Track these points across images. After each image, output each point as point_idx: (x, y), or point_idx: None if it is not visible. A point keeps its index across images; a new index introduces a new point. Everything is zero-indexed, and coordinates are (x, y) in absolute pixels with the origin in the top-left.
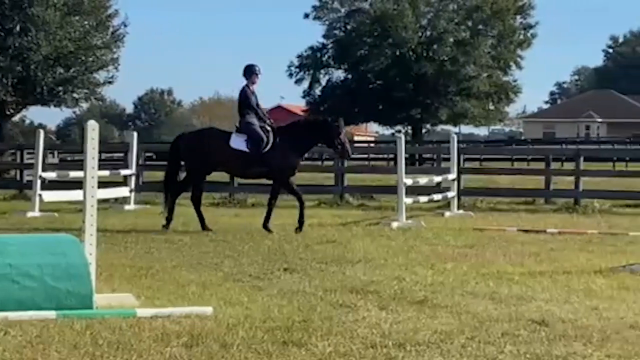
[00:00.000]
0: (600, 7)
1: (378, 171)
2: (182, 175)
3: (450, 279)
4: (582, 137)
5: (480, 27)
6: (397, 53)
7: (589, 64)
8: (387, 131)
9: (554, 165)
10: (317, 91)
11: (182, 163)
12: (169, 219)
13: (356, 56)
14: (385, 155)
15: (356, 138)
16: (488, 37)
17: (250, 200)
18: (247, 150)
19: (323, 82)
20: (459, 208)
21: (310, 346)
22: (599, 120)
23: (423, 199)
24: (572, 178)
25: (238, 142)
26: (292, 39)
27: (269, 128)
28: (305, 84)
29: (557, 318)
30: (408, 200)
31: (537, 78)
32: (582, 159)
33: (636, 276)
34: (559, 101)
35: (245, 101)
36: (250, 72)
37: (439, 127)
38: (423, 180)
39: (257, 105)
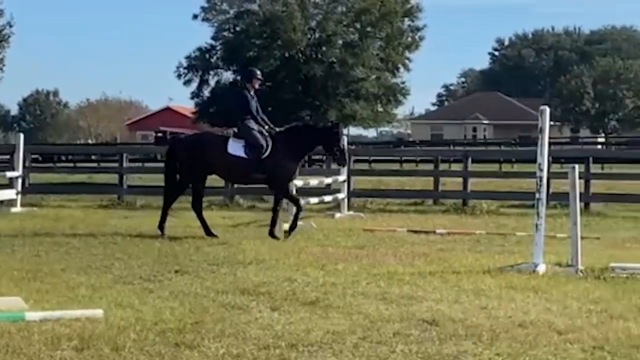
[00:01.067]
0: (486, 10)
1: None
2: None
3: (342, 279)
4: (469, 139)
5: (368, 29)
6: (286, 55)
7: (476, 66)
8: None
9: (442, 167)
10: (207, 92)
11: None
12: (162, 225)
13: (245, 57)
14: None
15: None
16: (376, 39)
17: (139, 202)
18: (245, 156)
19: (212, 83)
20: (349, 209)
21: (203, 348)
22: (486, 122)
23: (313, 200)
24: (460, 179)
25: (236, 148)
26: (182, 39)
27: (266, 133)
28: (194, 86)
29: (448, 317)
30: None
31: (425, 80)
32: (469, 160)
33: (523, 276)
34: (446, 103)
35: (246, 106)
36: (250, 76)
37: None
38: (314, 181)
39: (257, 110)
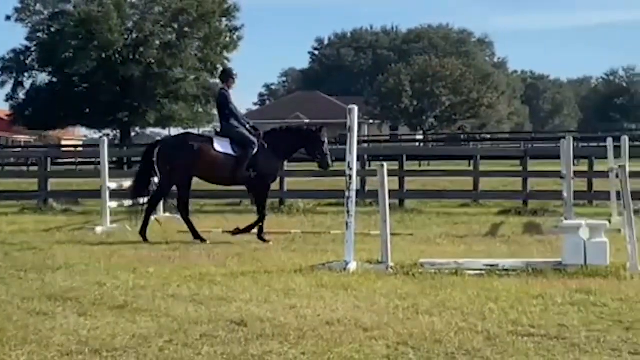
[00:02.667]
0: (305, 10)
1: (83, 175)
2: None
3: (152, 282)
4: None
5: (186, 29)
6: (103, 56)
7: (296, 65)
8: (96, 135)
9: None
10: (22, 95)
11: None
12: (143, 230)
13: (61, 59)
14: (94, 159)
15: (64, 142)
16: (194, 39)
17: None
18: (233, 153)
19: (27, 85)
20: (165, 211)
21: (4, 356)
22: (307, 120)
23: (128, 202)
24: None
25: (223, 146)
26: None
27: (252, 131)
28: (9, 88)
29: (256, 318)
30: (113, 204)
31: (247, 80)
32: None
33: (335, 274)
34: (267, 102)
35: (227, 104)
36: (227, 75)
37: (149, 130)
38: (128, 183)
39: (236, 109)
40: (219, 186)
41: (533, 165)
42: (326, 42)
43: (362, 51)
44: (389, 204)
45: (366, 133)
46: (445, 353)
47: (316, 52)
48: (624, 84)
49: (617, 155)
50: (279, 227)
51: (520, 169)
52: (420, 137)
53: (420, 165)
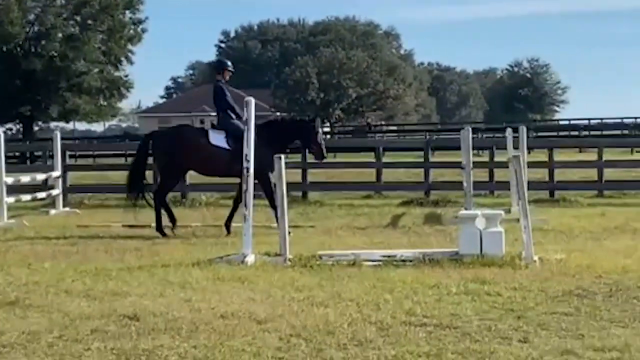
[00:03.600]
0: (212, 2)
1: None
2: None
3: (46, 277)
4: None
5: (89, 22)
6: (4, 49)
7: (203, 58)
8: None
9: None
10: None
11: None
12: (173, 222)
13: None
14: None
15: None
16: (98, 32)
17: None
18: (228, 147)
19: None
20: (65, 206)
21: None
22: (213, 114)
23: (26, 197)
24: None
25: (218, 139)
26: None
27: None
28: None
29: (149, 312)
30: (10, 200)
31: (154, 73)
32: None
33: (232, 267)
34: (174, 96)
35: (223, 97)
36: (222, 67)
37: (52, 124)
38: (25, 178)
39: (233, 101)
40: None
41: (438, 157)
42: (232, 34)
43: (268, 43)
44: (292, 196)
45: None
46: (338, 344)
47: (222, 45)
48: (528, 75)
49: (518, 145)
50: (180, 220)
51: (423, 160)
52: (327, 129)
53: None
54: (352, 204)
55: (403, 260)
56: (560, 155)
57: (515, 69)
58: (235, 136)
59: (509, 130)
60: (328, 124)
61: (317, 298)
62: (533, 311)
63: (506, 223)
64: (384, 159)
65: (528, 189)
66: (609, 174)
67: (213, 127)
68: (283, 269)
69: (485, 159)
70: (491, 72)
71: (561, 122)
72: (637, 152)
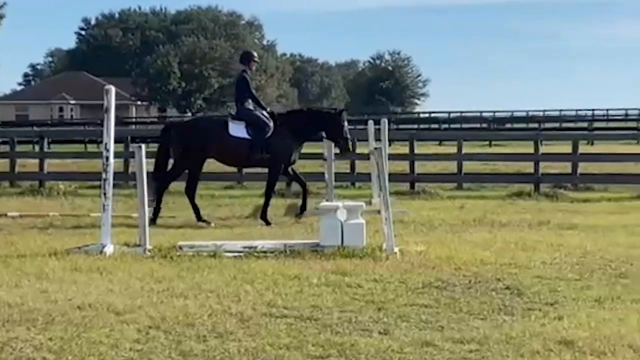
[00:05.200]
0: None
1: None
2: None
3: None
4: (56, 119)
5: None
6: None
7: (63, 45)
8: None
9: (21, 148)
10: None
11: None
12: (156, 213)
13: None
14: None
15: None
16: None
17: None
18: (248, 137)
19: None
20: None
21: None
22: (72, 102)
23: None
24: (36, 161)
25: (237, 130)
26: None
27: (267, 115)
28: None
29: (4, 303)
30: None
31: (11, 60)
32: (46, 141)
33: (90, 257)
34: (32, 83)
35: (247, 87)
36: (248, 58)
37: None
38: None
39: (255, 92)
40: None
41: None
42: (93, 22)
43: (130, 32)
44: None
45: (133, 114)
46: (197, 336)
47: (83, 33)
48: (390, 68)
49: (380, 137)
50: (37, 209)
51: None
52: (188, 119)
53: None
54: (213, 195)
55: (264, 252)
56: (420, 148)
57: (377, 62)
58: (255, 126)
59: (370, 123)
60: (190, 114)
61: (176, 289)
62: (393, 303)
63: (367, 215)
64: None
65: (389, 180)
66: (468, 166)
67: (232, 117)
68: (142, 259)
69: None
70: (353, 65)
71: (422, 115)
72: (495, 145)
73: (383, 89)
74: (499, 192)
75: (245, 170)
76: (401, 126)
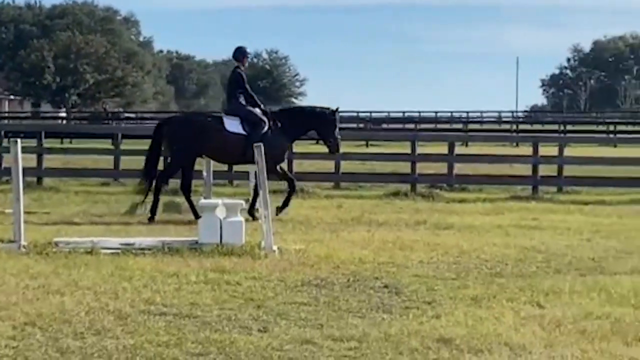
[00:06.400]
0: None
1: None
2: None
3: None
4: None
5: None
6: None
7: None
8: None
9: None
10: None
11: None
12: (154, 210)
13: None
14: None
15: None
16: None
17: None
18: (244, 133)
19: None
20: None
21: None
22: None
23: None
24: None
25: (233, 126)
26: None
27: (261, 111)
28: None
29: None
30: None
31: None
32: None
33: None
34: None
35: (240, 83)
36: (241, 54)
37: None
38: None
39: (250, 89)
40: None
41: None
42: None
43: (3, 25)
44: (27, 182)
45: (6, 109)
46: (75, 333)
47: None
48: (267, 67)
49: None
50: None
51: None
52: (63, 114)
53: (62, 143)
54: (89, 191)
55: (142, 249)
56: (298, 147)
57: (255, 60)
58: (250, 122)
59: None
60: (64, 109)
61: (52, 286)
62: (272, 301)
63: (246, 213)
64: (122, 146)
65: (267, 179)
66: (346, 166)
67: (226, 113)
68: (17, 255)
69: None
70: (230, 63)
71: None
72: (371, 145)
73: (260, 87)
74: (377, 191)
75: (122, 166)
76: None
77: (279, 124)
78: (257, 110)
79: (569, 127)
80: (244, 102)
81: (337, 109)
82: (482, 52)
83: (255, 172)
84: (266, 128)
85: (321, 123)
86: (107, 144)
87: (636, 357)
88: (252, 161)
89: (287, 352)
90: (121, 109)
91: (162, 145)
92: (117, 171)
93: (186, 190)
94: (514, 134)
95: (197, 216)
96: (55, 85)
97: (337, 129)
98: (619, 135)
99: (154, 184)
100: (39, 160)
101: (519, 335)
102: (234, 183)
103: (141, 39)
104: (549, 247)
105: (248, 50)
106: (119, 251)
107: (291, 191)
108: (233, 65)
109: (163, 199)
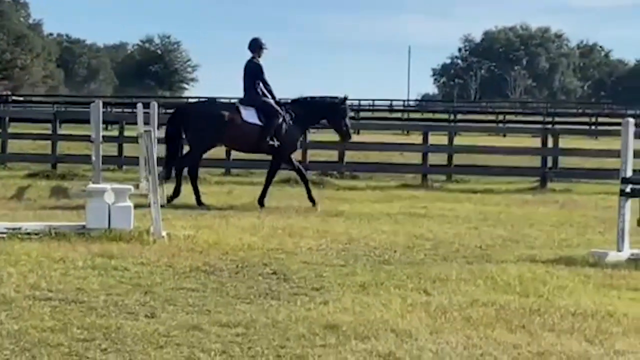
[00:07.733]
0: None
1: None
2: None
3: None
4: None
5: None
6: None
7: None
8: None
9: None
10: None
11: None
12: (199, 200)
13: None
14: None
15: None
16: None
17: None
18: (260, 123)
19: None
20: None
21: None
22: None
23: None
24: None
25: (250, 116)
26: None
27: (274, 102)
28: None
29: None
30: None
31: None
32: None
33: None
34: None
35: (258, 74)
36: (257, 45)
37: None
38: None
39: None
40: None
41: (66, 129)
42: None
43: None
44: None
45: None
46: None
47: None
48: (159, 52)
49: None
50: None
51: (50, 132)
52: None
53: None
54: None
55: (28, 233)
56: None
57: (147, 45)
58: (266, 112)
59: (139, 106)
60: None
61: None
62: (160, 286)
63: (134, 198)
64: (10, 130)
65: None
66: (237, 153)
67: (241, 102)
68: None
69: (115, 133)
70: (122, 47)
71: (191, 100)
72: None
73: (152, 72)
74: None
75: (9, 150)
76: (169, 110)
77: (293, 115)
78: (272, 101)
79: (459, 117)
80: (260, 94)
81: (345, 98)
82: (375, 40)
83: (145, 158)
84: (281, 119)
85: (332, 112)
86: None
87: (520, 344)
88: (266, 152)
89: (174, 338)
90: (9, 92)
91: (181, 134)
92: (5, 155)
93: (193, 175)
94: (405, 122)
95: (200, 203)
96: None
97: (347, 117)
98: (508, 125)
99: (184, 172)
100: None
101: (405, 321)
102: (124, 168)
103: (30, 21)
104: (437, 235)
105: (264, 42)
106: (4, 235)
107: (305, 182)
108: (125, 50)
109: (50, 183)
